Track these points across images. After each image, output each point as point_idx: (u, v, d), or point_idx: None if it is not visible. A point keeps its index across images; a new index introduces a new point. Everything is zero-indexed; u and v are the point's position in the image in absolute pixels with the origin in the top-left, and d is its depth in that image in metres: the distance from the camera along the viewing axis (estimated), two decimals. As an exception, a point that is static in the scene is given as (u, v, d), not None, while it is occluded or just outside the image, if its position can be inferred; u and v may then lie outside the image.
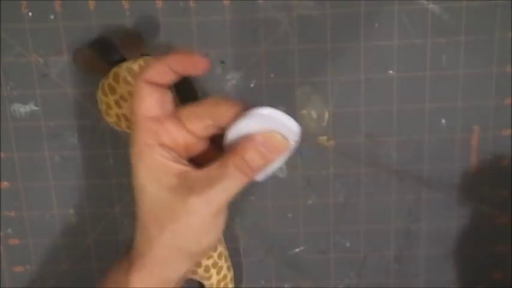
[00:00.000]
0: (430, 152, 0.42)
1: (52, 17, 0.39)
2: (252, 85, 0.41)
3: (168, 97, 0.32)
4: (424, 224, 0.44)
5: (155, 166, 0.31)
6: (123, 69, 0.38)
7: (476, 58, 0.40)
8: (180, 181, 0.30)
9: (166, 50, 0.40)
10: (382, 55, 0.40)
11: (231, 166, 0.30)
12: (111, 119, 0.40)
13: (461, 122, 0.42)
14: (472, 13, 0.39)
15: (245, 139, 0.30)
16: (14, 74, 0.40)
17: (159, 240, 0.31)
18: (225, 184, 0.30)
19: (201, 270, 0.41)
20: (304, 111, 0.42)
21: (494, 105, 0.41)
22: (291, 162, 0.42)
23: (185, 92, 0.38)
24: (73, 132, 0.42)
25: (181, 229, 0.30)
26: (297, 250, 0.45)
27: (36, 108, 0.41)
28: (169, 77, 0.31)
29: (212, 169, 0.30)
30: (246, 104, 0.30)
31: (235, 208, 0.43)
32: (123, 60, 0.39)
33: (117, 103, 0.39)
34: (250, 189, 0.43)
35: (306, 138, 0.42)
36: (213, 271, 0.42)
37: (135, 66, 0.38)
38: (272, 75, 0.41)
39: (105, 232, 0.44)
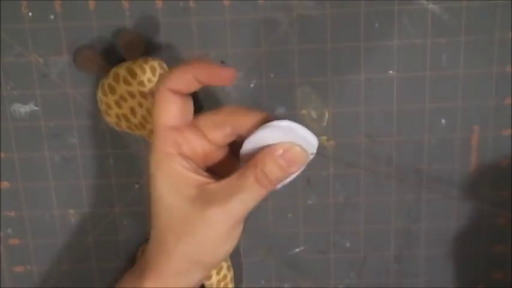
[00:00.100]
0: (430, 152, 0.42)
1: (52, 17, 0.39)
2: (252, 85, 0.41)
3: (190, 106, 0.31)
4: (424, 224, 0.44)
5: (174, 176, 0.30)
6: (123, 69, 0.38)
7: (476, 58, 0.40)
8: (199, 192, 0.30)
9: (166, 50, 0.40)
10: (382, 55, 0.40)
11: (249, 178, 0.29)
12: (111, 119, 0.40)
13: (461, 122, 0.42)
14: (472, 13, 0.39)
15: (264, 151, 0.30)
16: (14, 74, 0.40)
17: (175, 250, 0.30)
18: (244, 196, 0.29)
19: (201, 270, 0.41)
20: (304, 111, 0.42)
21: (494, 105, 0.41)
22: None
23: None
24: (73, 132, 0.42)
25: (198, 240, 0.30)
26: (297, 250, 0.45)
27: (36, 108, 0.41)
28: (194, 87, 0.30)
29: (231, 181, 0.30)
30: (266, 113, 0.30)
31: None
32: (123, 60, 0.39)
33: (117, 103, 0.39)
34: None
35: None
36: (213, 271, 0.42)
37: (135, 66, 0.38)
38: (272, 75, 0.41)
39: (105, 232, 0.44)
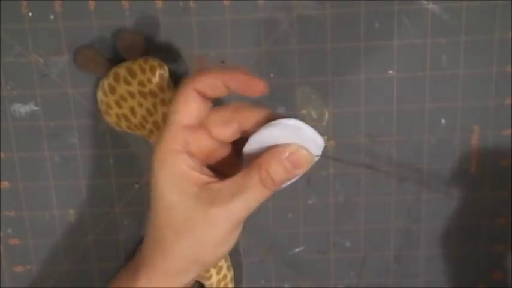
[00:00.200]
0: (430, 152, 0.42)
1: (52, 17, 0.39)
2: (252, 85, 0.41)
3: (208, 109, 0.31)
4: (424, 224, 0.44)
5: (178, 174, 0.30)
6: (123, 69, 0.38)
7: (476, 58, 0.40)
8: (202, 191, 0.30)
9: (166, 50, 0.40)
10: (382, 55, 0.40)
11: (253, 178, 0.29)
12: (111, 119, 0.40)
13: (461, 122, 0.42)
14: (472, 13, 0.39)
15: (270, 152, 0.29)
16: (14, 74, 0.40)
17: (173, 248, 0.30)
18: (247, 196, 0.29)
19: (201, 270, 0.41)
20: (304, 111, 0.42)
21: (494, 105, 0.41)
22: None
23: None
24: (73, 132, 0.42)
25: (198, 239, 0.30)
26: (297, 250, 0.45)
27: (36, 108, 0.41)
28: (221, 92, 0.30)
29: (234, 181, 0.30)
30: (272, 111, 0.30)
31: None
32: (123, 60, 0.39)
33: (117, 103, 0.39)
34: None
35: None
36: (213, 271, 0.42)
37: (135, 66, 0.38)
38: (272, 75, 0.41)
39: (105, 232, 0.44)
